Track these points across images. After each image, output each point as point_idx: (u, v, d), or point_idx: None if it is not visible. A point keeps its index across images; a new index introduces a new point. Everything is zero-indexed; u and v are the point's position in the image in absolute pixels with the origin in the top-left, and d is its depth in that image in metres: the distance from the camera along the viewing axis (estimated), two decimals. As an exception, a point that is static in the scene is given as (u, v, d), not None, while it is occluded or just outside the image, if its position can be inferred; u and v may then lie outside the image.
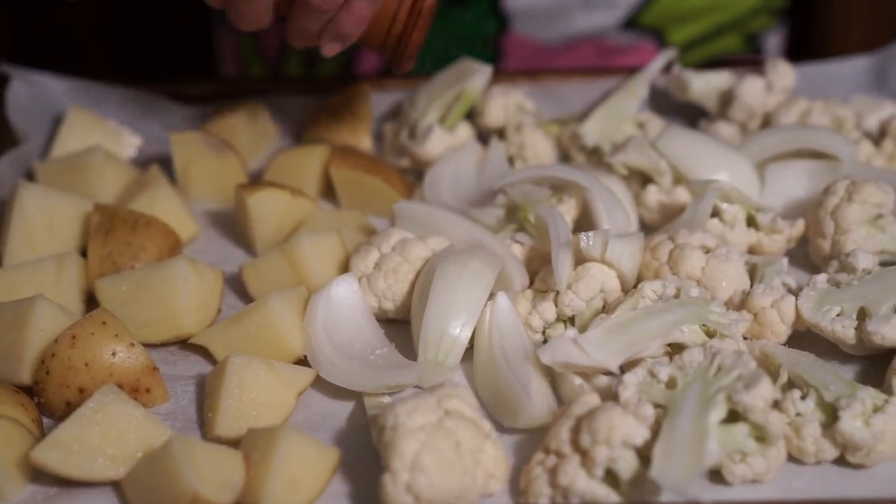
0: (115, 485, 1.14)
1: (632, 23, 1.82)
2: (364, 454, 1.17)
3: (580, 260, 1.32)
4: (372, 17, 1.34)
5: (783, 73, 1.62)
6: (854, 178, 1.39)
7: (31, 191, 1.42)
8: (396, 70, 1.43)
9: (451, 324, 1.26)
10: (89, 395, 1.17)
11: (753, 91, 1.60)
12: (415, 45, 1.39)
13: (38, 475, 1.15)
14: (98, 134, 1.60)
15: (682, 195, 1.45)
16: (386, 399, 1.23)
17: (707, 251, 1.32)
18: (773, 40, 1.91)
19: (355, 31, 1.34)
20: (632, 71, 1.68)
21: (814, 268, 1.41)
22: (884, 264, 1.32)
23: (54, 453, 1.13)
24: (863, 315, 1.25)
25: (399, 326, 1.34)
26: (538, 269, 1.34)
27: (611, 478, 1.09)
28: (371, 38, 1.39)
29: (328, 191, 1.55)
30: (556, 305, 1.30)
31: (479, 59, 1.63)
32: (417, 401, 1.12)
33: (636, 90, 1.65)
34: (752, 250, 1.41)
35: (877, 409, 1.15)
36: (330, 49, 1.36)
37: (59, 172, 1.51)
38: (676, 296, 1.26)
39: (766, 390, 1.11)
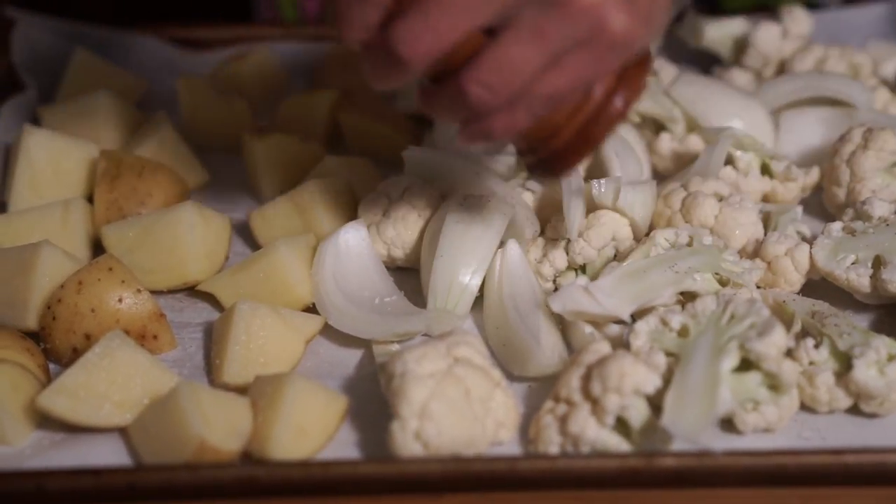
0: (122, 431, 1.14)
1: None
2: (372, 402, 1.17)
3: (592, 208, 1.30)
4: (533, 125, 1.08)
5: (798, 20, 1.59)
6: (870, 126, 1.37)
7: (37, 136, 1.40)
8: (545, 175, 1.20)
9: (460, 272, 1.25)
10: (96, 341, 1.16)
11: (768, 38, 1.58)
12: (587, 154, 1.12)
13: (45, 421, 1.15)
14: (104, 79, 1.59)
15: (695, 143, 1.44)
16: (395, 347, 1.22)
17: (720, 199, 1.31)
18: None
19: (507, 134, 1.07)
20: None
21: (828, 216, 1.39)
22: (899, 213, 1.30)
23: (60, 399, 1.12)
24: (878, 263, 1.24)
25: (408, 274, 1.32)
26: (549, 217, 1.33)
27: (622, 426, 1.08)
28: (530, 137, 1.11)
29: (337, 137, 1.53)
30: (567, 253, 1.29)
31: None
32: (426, 348, 1.11)
33: (649, 37, 1.63)
34: (766, 198, 1.39)
35: (891, 358, 1.14)
36: (465, 142, 1.09)
37: (64, 117, 1.49)
38: (689, 244, 1.24)
39: (779, 338, 1.10)
